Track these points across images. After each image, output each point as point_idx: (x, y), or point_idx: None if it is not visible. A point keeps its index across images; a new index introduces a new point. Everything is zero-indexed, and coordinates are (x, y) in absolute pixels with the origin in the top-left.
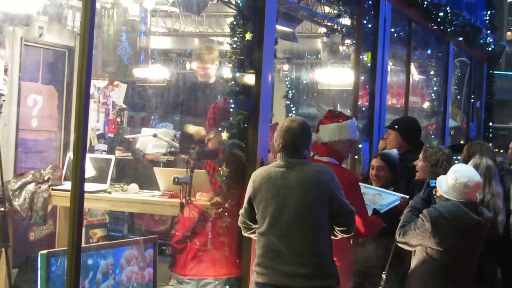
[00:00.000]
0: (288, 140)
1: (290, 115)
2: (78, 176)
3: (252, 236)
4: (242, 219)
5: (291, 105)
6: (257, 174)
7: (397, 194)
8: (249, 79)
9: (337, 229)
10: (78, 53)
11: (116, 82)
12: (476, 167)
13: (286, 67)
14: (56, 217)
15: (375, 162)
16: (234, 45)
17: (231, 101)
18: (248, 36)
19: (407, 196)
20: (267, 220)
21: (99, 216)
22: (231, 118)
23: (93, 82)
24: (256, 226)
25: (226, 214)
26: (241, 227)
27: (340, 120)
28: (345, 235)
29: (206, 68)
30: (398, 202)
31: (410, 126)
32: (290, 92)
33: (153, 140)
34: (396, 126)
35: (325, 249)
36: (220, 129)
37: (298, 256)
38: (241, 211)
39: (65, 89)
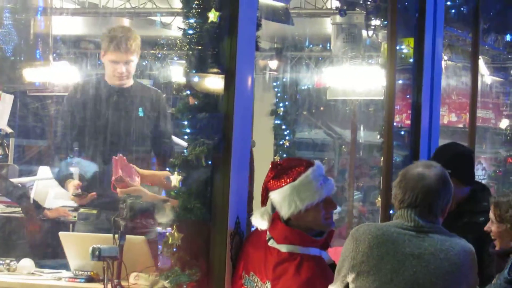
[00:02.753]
0: (420, 195)
1: (281, 142)
2: None
3: None
4: None
5: (283, 127)
6: (364, 232)
7: None
8: (215, 85)
9: None
10: None
11: None
12: None
13: (274, 64)
14: None
15: None
16: (190, 31)
17: (186, 123)
18: (212, 15)
19: None
20: None
21: None
22: (185, 151)
23: None
24: None
25: None
26: None
27: (295, 175)
28: None
29: (129, 62)
30: None
31: (462, 156)
32: (281, 105)
33: (57, 186)
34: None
35: None
36: (168, 169)
37: None
38: None
39: None
